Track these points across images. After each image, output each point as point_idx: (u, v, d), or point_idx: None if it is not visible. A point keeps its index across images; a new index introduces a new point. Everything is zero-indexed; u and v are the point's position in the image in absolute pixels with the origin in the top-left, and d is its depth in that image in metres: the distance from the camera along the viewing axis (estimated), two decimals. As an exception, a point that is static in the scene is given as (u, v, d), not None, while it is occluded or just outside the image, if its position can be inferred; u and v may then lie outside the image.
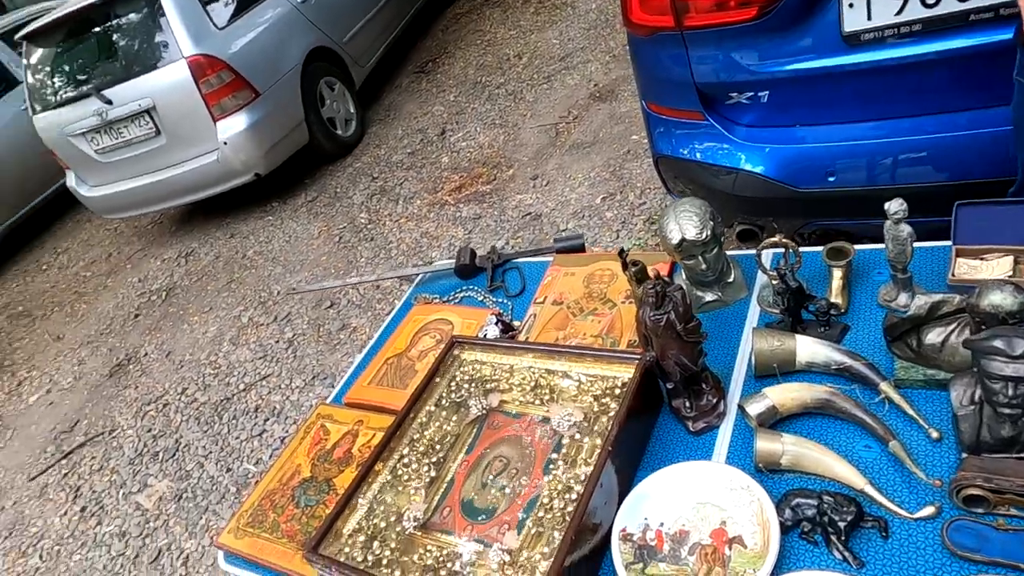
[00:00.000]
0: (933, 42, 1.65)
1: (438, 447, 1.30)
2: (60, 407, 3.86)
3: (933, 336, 1.07)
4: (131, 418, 3.49)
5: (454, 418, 1.35)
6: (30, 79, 4.77)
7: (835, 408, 1.09)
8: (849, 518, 0.93)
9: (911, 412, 1.05)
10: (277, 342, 3.52)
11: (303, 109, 4.74)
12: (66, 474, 3.32)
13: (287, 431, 2.94)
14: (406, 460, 1.29)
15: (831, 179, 1.94)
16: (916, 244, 1.17)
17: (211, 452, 3.02)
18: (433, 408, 1.37)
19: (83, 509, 3.04)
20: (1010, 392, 0.87)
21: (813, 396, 1.11)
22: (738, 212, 2.23)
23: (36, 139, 4.79)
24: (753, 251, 1.34)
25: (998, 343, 0.87)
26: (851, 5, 1.70)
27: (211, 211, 5.17)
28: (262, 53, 4.55)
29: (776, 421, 1.12)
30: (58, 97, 4.60)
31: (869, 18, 1.69)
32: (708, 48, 1.95)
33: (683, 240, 1.30)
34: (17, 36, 4.76)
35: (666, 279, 1.18)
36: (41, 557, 2.91)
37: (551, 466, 1.18)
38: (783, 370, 1.19)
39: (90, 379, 3.98)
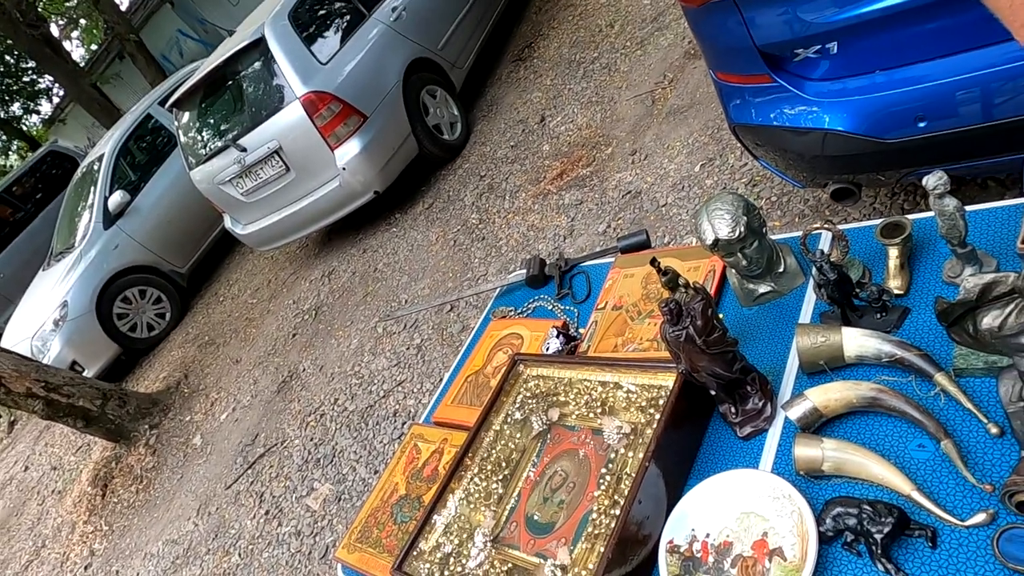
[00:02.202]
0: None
1: (504, 464, 1.39)
2: (243, 422, 4.46)
3: (989, 320, 0.97)
4: (296, 428, 3.95)
5: (520, 434, 1.43)
6: (182, 139, 5.47)
7: (884, 406, 1.03)
8: (887, 529, 0.89)
9: (969, 405, 0.96)
10: (408, 349, 3.80)
11: (409, 122, 4.99)
12: (252, 482, 3.84)
13: (421, 433, 3.18)
14: (478, 477, 1.39)
15: (922, 124, 1.75)
16: (993, 203, 1.05)
17: (361, 456, 3.36)
18: (500, 426, 1.46)
19: (267, 512, 3.52)
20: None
21: (858, 394, 1.05)
22: (828, 172, 2.07)
23: (197, 191, 5.49)
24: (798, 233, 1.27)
25: (1029, 338, 0.78)
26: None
27: (345, 230, 5.62)
28: (364, 77, 4.85)
29: (822, 423, 1.08)
30: (206, 151, 5.23)
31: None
32: (762, 6, 1.82)
33: (717, 240, 1.26)
34: (167, 106, 5.46)
35: (696, 285, 1.16)
36: (240, 555, 3.42)
37: (601, 481, 1.22)
38: (833, 365, 1.13)
39: (263, 396, 4.54)
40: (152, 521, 4.39)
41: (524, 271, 1.94)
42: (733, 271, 1.38)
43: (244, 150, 4.84)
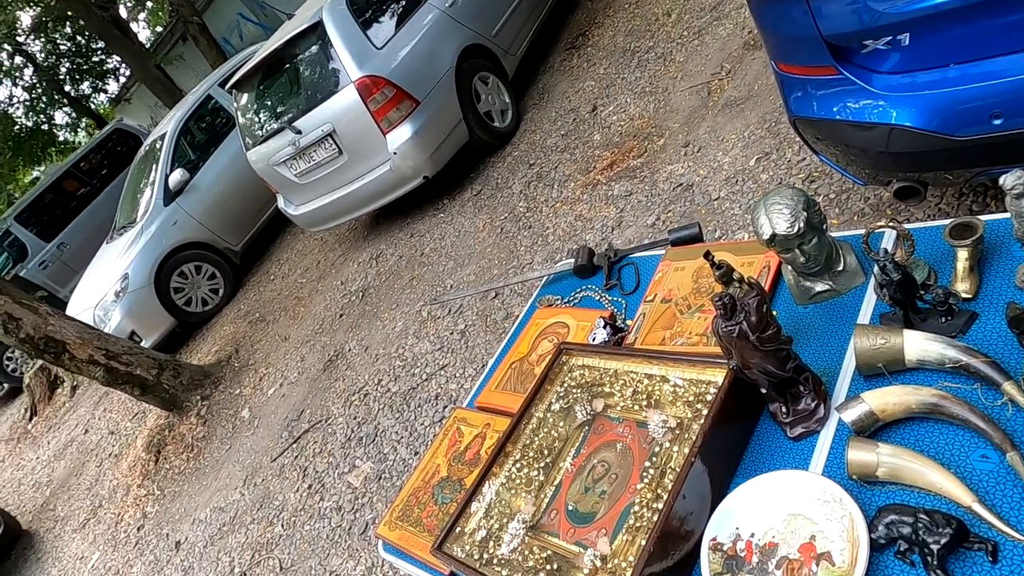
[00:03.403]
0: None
1: (547, 452, 1.39)
2: (290, 398, 4.58)
3: (1066, 328, 0.92)
4: (341, 407, 4.04)
5: (563, 423, 1.43)
6: (240, 120, 5.61)
7: (946, 413, 0.99)
8: (944, 540, 0.86)
9: (1038, 417, 0.92)
10: (451, 334, 3.83)
11: (460, 108, 5.01)
12: (296, 456, 3.95)
13: (462, 417, 3.22)
14: (519, 464, 1.40)
15: (997, 121, 1.66)
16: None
17: (402, 437, 3.41)
18: (543, 414, 1.46)
19: (309, 487, 3.62)
20: None
21: (919, 400, 1.01)
22: (894, 169, 1.99)
23: (252, 171, 5.63)
24: (862, 231, 1.23)
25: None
26: (998, -83, 1.43)
27: (393, 214, 5.69)
28: (418, 63, 4.88)
29: (878, 428, 1.04)
30: (263, 132, 5.35)
31: (1023, -72, 1.42)
32: (831, -5, 1.76)
33: (775, 235, 1.23)
34: (227, 87, 5.61)
35: (751, 280, 1.14)
36: (283, 526, 3.52)
37: (645, 474, 1.21)
38: (892, 369, 1.09)
39: (310, 373, 4.65)
40: (201, 488, 4.56)
41: (572, 260, 1.94)
42: (789, 268, 1.35)
43: (299, 132, 4.94)
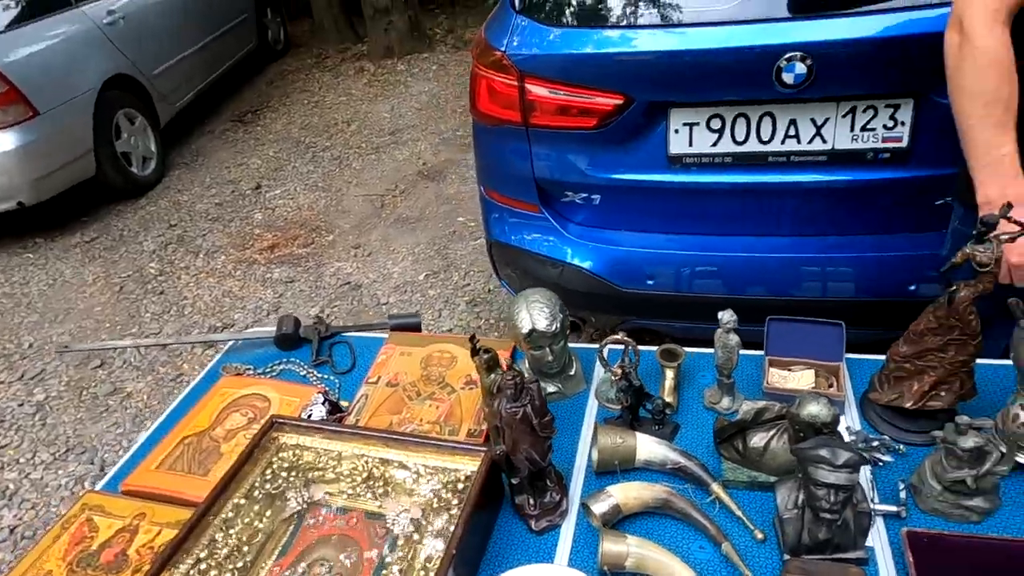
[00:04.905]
0: (742, 174, 1.90)
1: (245, 549, 1.11)
2: None
3: (757, 440, 1.15)
4: None
5: (267, 513, 1.17)
6: None
7: (673, 508, 1.12)
8: (691, 625, 0.93)
9: (739, 513, 1.10)
10: (21, 405, 2.90)
11: (93, 138, 4.19)
12: None
13: (21, 518, 2.37)
14: (203, 566, 1.07)
15: (650, 282, 2.10)
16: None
17: (-99, 546, 2.34)
18: (242, 501, 1.17)
19: None
20: (831, 498, 0.94)
21: (653, 495, 1.12)
22: (567, 304, 2.31)
23: None
24: (594, 346, 1.37)
25: (823, 452, 0.94)
26: (676, 131, 1.90)
27: (-52, 239, 4.27)
28: (47, 69, 3.98)
29: (618, 520, 1.12)
30: None
31: (690, 144, 1.90)
32: (550, 147, 2.05)
33: (533, 330, 1.29)
34: None
35: (516, 369, 1.15)
36: None
37: (384, 570, 1.05)
38: (623, 467, 1.20)
39: None
40: None
41: (272, 328, 1.70)
42: (527, 367, 1.41)
43: None
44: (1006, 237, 0.99)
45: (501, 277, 2.53)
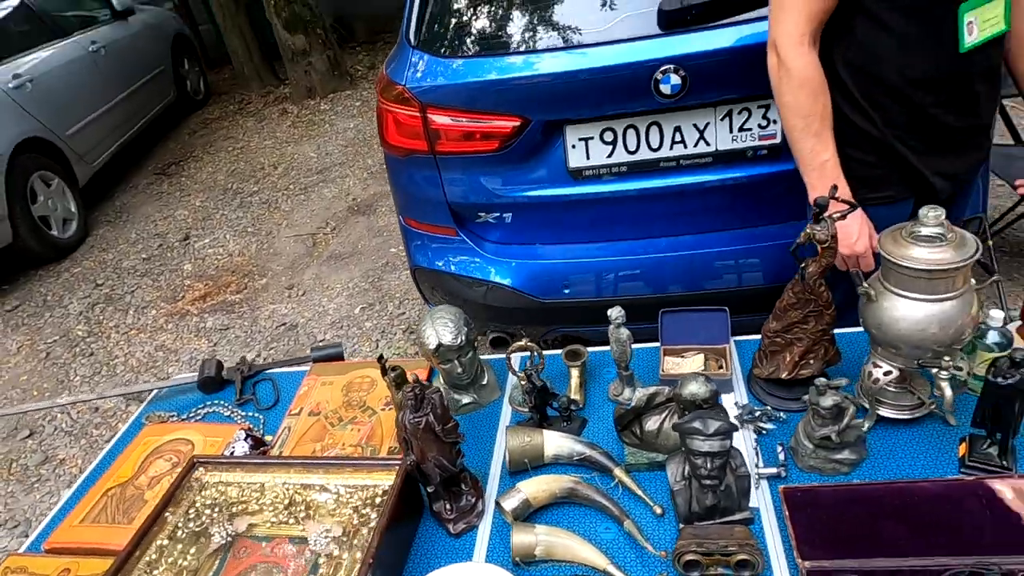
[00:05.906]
0: (637, 180, 2.02)
1: (171, 587, 1.13)
2: None
3: (651, 424, 1.24)
4: None
5: (192, 550, 1.19)
6: None
7: (579, 495, 1.19)
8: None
9: (639, 492, 1.18)
10: (-54, 485, 2.80)
11: (7, 205, 4.09)
12: None
13: (-48, 601, 2.28)
14: (128, 609, 1.09)
15: (567, 291, 2.20)
16: (635, 346, 1.38)
17: None
18: (166, 542, 1.20)
19: None
20: (709, 465, 1.03)
21: (560, 486, 1.20)
22: (490, 321, 2.39)
23: None
24: (503, 355, 1.44)
25: (696, 424, 1.04)
26: (573, 146, 2.01)
27: None
28: (-45, 137, 3.89)
29: (531, 513, 1.18)
30: None
31: (588, 158, 2.01)
32: (458, 172, 2.13)
33: (440, 345, 1.36)
34: None
35: (424, 382, 1.21)
36: None
37: (307, 590, 1.09)
38: (534, 464, 1.27)
39: None
40: None
41: (195, 373, 1.72)
42: (442, 382, 1.48)
43: None
44: (837, 215, 1.11)
45: (430, 302, 2.59)
